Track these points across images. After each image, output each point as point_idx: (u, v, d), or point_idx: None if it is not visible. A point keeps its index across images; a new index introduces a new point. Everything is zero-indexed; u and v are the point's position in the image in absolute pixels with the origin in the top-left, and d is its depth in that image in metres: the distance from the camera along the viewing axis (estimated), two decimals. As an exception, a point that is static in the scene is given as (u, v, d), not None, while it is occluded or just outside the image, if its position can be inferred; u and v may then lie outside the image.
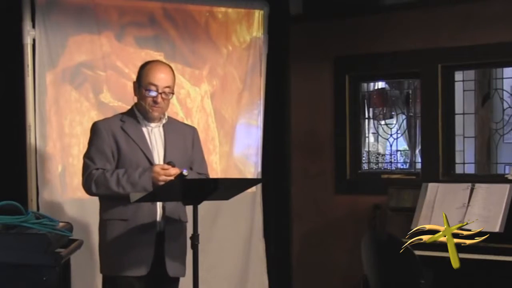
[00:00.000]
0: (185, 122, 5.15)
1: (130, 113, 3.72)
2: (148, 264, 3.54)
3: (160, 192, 3.50)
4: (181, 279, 3.82)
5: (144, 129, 3.67)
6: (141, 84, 3.66)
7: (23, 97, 4.54)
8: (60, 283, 3.28)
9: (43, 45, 4.59)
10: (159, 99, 3.62)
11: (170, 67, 3.77)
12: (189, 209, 3.49)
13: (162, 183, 3.49)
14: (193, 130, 3.91)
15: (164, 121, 3.73)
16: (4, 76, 4.60)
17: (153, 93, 3.62)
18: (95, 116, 4.56)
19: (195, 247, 3.45)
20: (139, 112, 3.69)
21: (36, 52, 4.57)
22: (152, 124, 3.69)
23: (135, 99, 3.73)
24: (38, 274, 3.10)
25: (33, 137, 4.55)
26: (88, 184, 3.58)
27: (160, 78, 3.64)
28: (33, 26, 4.57)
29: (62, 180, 4.61)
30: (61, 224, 3.57)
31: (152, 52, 5.03)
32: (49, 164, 4.61)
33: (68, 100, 4.71)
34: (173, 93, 3.72)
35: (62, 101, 4.69)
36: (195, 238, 3.45)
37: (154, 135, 3.69)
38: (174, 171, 3.52)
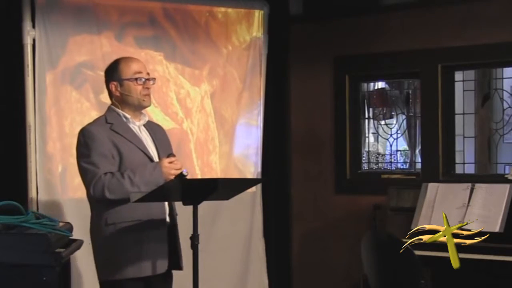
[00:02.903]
0: (185, 122, 5.18)
1: (112, 114, 3.65)
2: (166, 261, 3.55)
3: (160, 192, 3.49)
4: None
5: (132, 128, 3.66)
6: (124, 78, 3.63)
7: (23, 97, 4.54)
8: (60, 283, 3.28)
9: (43, 45, 4.59)
10: (149, 85, 3.66)
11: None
12: (188, 209, 3.48)
13: (172, 176, 3.50)
14: (163, 129, 3.92)
15: (146, 118, 3.74)
16: (4, 76, 4.60)
17: (142, 81, 3.63)
18: (95, 116, 4.53)
19: (195, 247, 3.45)
20: (123, 110, 3.65)
21: (36, 52, 4.57)
22: (137, 123, 3.68)
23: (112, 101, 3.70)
24: (38, 274, 3.10)
25: (33, 137, 4.55)
26: (99, 190, 3.46)
27: (142, 66, 3.70)
28: (33, 26, 4.57)
29: (62, 180, 4.61)
30: (61, 224, 3.57)
31: (152, 52, 5.04)
32: (49, 164, 4.61)
33: (69, 100, 4.72)
34: (154, 79, 3.75)
35: (62, 101, 4.69)
36: (195, 238, 3.45)
37: (142, 133, 3.70)
38: (180, 163, 3.57)
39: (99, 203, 3.55)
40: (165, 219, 3.60)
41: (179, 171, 3.54)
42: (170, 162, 3.54)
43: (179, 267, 3.67)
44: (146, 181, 3.47)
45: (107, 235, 3.53)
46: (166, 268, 3.56)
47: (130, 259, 3.50)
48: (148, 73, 3.70)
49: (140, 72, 3.65)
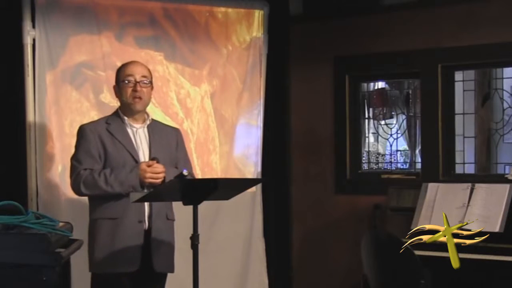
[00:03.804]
0: (185, 122, 5.18)
1: (115, 115, 3.83)
2: (137, 261, 3.63)
3: (160, 192, 3.52)
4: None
5: (129, 130, 3.78)
6: (119, 80, 3.79)
7: (23, 97, 4.55)
8: (60, 283, 3.28)
9: (43, 45, 4.60)
10: (138, 88, 3.74)
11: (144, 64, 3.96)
12: (188, 209, 3.49)
13: (149, 180, 3.61)
14: (176, 131, 4.02)
15: (148, 122, 3.84)
16: (4, 76, 4.60)
17: (132, 83, 3.74)
18: (95, 116, 4.56)
19: (195, 247, 3.45)
20: (124, 114, 3.79)
21: (36, 52, 4.58)
22: (137, 125, 3.80)
23: (118, 103, 3.88)
24: (38, 274, 3.10)
25: (33, 137, 4.55)
26: (77, 184, 3.66)
27: (135, 69, 3.81)
28: (33, 26, 4.57)
29: (62, 180, 4.61)
30: (61, 224, 3.57)
31: (152, 52, 5.04)
32: (49, 164, 4.61)
33: (69, 100, 4.72)
34: (151, 83, 3.84)
35: (62, 101, 4.69)
36: (195, 238, 3.46)
37: (139, 136, 3.80)
38: (160, 168, 3.63)
39: (88, 199, 3.74)
40: (142, 221, 3.67)
41: (157, 175, 3.62)
42: (149, 166, 3.63)
43: (153, 271, 3.70)
44: (121, 181, 3.60)
45: (91, 230, 3.73)
46: (137, 268, 3.63)
47: (104, 254, 3.64)
48: (144, 76, 3.79)
49: (130, 75, 3.77)
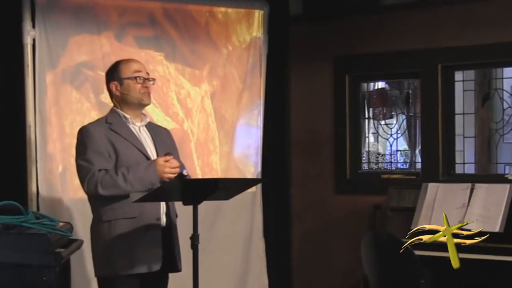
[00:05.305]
0: (185, 122, 5.18)
1: (112, 115, 3.72)
2: (160, 259, 3.56)
3: (160, 192, 3.51)
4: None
5: (132, 128, 3.71)
6: (124, 77, 3.70)
7: (23, 97, 4.54)
8: (60, 283, 3.29)
9: (43, 45, 4.59)
10: (147, 84, 3.72)
11: None
12: (188, 208, 3.49)
13: (167, 175, 3.54)
14: (168, 132, 3.97)
15: (148, 119, 3.81)
16: (4, 76, 4.60)
17: (141, 79, 3.69)
18: (96, 116, 4.55)
19: (195, 247, 3.45)
20: (125, 111, 3.71)
21: (36, 52, 4.57)
22: (138, 124, 3.74)
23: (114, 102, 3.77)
24: (38, 274, 3.11)
25: (33, 137, 4.55)
26: (93, 186, 3.52)
27: (141, 66, 3.77)
28: (33, 26, 4.57)
29: (62, 180, 4.61)
30: (61, 224, 3.58)
31: (152, 52, 5.04)
32: (49, 164, 4.61)
33: (69, 100, 4.72)
34: (154, 79, 3.82)
35: (62, 101, 4.69)
36: (195, 238, 3.45)
37: (142, 133, 3.75)
38: (176, 162, 3.60)
39: (96, 201, 3.61)
40: (159, 218, 3.62)
41: (174, 170, 3.57)
42: (166, 161, 3.57)
43: (175, 269, 3.68)
44: (140, 179, 3.52)
45: (102, 232, 3.57)
46: (159, 267, 3.57)
47: (123, 256, 3.53)
48: (147, 73, 3.77)
49: (139, 71, 3.72)
